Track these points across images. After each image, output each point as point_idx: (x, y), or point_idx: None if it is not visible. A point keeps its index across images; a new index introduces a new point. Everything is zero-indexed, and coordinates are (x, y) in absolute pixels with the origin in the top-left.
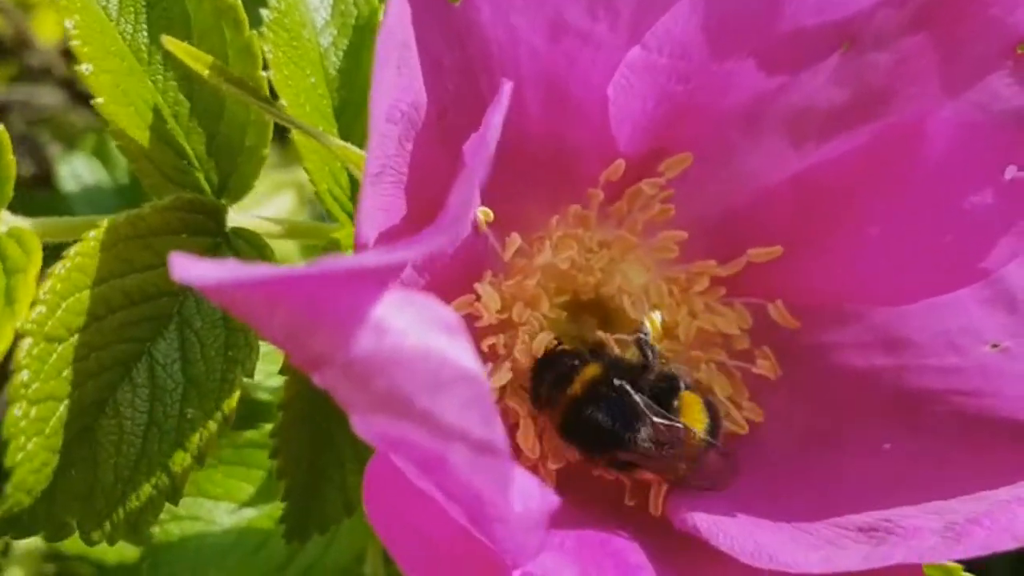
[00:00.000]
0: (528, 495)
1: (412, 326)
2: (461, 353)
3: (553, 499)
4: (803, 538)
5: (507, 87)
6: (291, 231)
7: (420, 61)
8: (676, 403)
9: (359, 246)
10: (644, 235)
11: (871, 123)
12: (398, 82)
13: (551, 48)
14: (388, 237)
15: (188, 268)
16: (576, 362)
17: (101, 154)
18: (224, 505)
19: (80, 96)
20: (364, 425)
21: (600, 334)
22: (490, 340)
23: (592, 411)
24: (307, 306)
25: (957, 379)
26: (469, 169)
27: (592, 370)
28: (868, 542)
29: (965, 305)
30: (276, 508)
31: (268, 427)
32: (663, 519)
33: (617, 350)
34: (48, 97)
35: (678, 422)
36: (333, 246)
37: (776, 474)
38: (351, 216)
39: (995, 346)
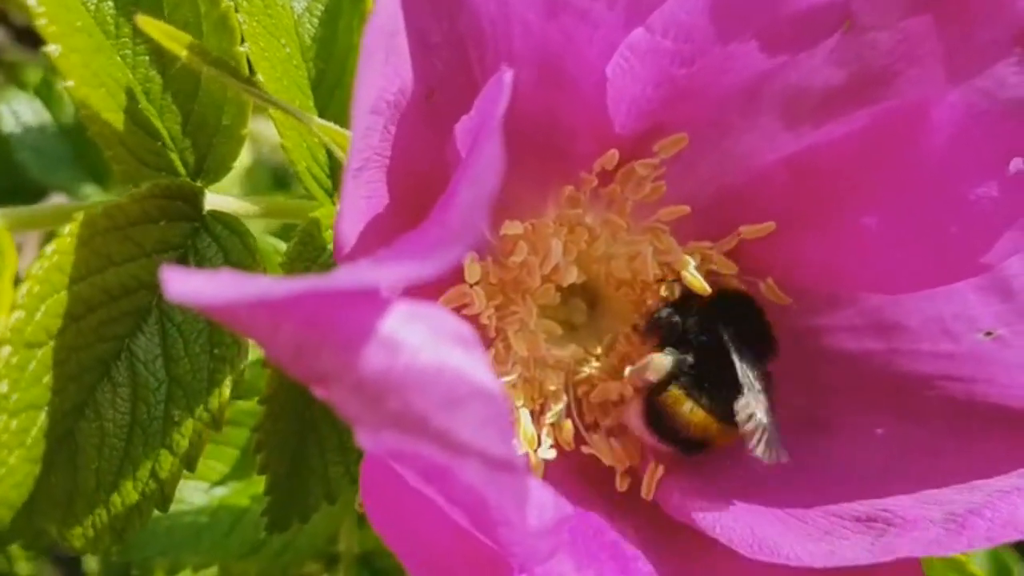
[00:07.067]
0: (543, 508)
1: (425, 341)
2: (477, 368)
3: (567, 509)
4: (799, 528)
5: (508, 76)
6: (269, 210)
7: (408, 40)
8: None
9: (340, 245)
10: (635, 216)
11: (870, 106)
12: (385, 71)
13: (546, 25)
14: (374, 229)
15: (182, 284)
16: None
17: (44, 93)
18: (195, 484)
19: (22, 33)
20: (371, 441)
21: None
22: (480, 320)
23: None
24: (312, 324)
25: (949, 365)
26: (476, 171)
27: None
28: (868, 533)
29: (960, 292)
30: (250, 484)
31: (241, 404)
32: (657, 508)
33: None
34: None
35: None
36: (313, 226)
37: None
38: (330, 194)
39: (989, 334)
